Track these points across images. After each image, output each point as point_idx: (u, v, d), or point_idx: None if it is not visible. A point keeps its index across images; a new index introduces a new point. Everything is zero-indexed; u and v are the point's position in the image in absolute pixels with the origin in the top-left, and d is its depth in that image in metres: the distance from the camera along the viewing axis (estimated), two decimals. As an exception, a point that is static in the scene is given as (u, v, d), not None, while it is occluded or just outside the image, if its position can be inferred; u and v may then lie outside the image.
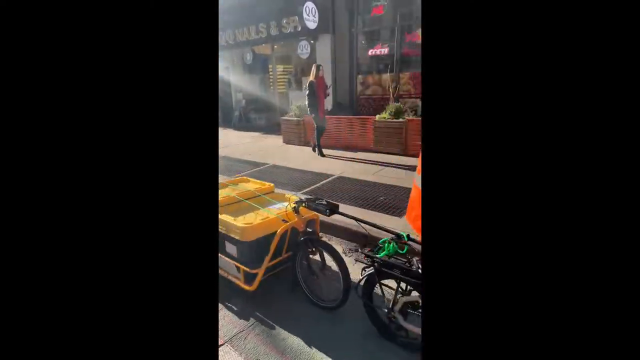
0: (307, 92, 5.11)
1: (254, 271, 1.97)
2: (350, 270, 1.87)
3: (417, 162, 4.77)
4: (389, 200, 3.36)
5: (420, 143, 4.99)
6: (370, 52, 6.98)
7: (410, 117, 5.09)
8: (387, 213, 3.06)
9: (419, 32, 6.33)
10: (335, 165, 4.80)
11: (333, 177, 4.25)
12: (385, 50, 6.79)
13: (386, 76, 6.51)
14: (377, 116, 5.32)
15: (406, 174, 4.20)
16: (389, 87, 6.24)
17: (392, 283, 1.62)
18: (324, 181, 4.09)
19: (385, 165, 4.62)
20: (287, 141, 6.68)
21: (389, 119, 5.16)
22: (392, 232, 1.72)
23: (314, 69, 5.15)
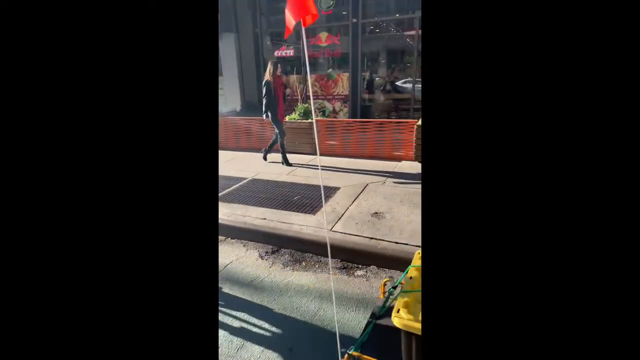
0: (264, 92, 4.41)
1: None
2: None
3: (330, 161, 4.99)
4: (303, 199, 3.42)
5: (330, 142, 5.21)
6: (277, 53, 7.00)
7: (319, 118, 5.27)
8: (301, 212, 3.10)
9: (321, 35, 6.60)
10: (248, 167, 4.68)
11: (246, 180, 4.12)
12: (290, 52, 6.89)
13: (294, 77, 6.61)
14: (287, 117, 5.36)
15: (329, 174, 4.33)
16: (296, 88, 6.35)
17: None
18: (237, 185, 3.94)
19: (298, 166, 4.68)
20: (193, 145, 6.24)
21: (298, 119, 5.24)
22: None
23: (270, 66, 4.42)
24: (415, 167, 4.42)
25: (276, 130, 4.67)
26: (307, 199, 3.40)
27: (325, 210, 3.11)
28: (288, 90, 6.80)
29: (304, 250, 2.65)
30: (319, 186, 3.77)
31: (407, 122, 4.82)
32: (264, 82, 4.45)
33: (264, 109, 4.48)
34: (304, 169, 4.53)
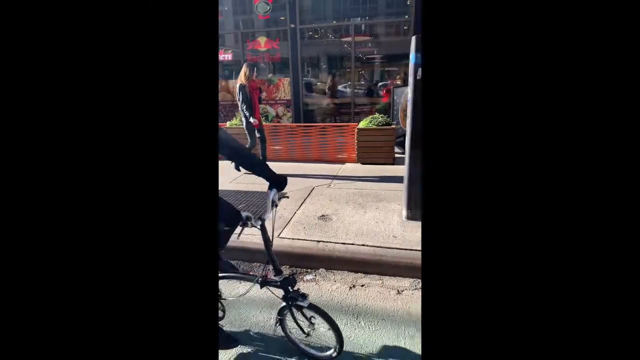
0: (240, 97, 4.10)
1: None
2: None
3: (275, 166, 4.91)
4: (248, 207, 3.34)
5: (275, 147, 5.16)
6: (214, 57, 6.77)
7: (263, 123, 5.19)
8: (248, 220, 3.03)
9: (260, 39, 6.55)
10: (188, 177, 4.43)
11: (186, 190, 3.90)
12: (229, 57, 6.71)
13: (234, 82, 6.44)
14: (228, 123, 5.21)
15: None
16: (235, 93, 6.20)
17: None
18: (176, 196, 3.71)
19: (244, 173, 4.57)
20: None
21: (241, 125, 5.12)
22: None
23: (245, 69, 4.11)
24: (358, 169, 4.58)
25: (257, 135, 4.43)
26: (253, 207, 3.33)
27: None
28: (229, 95, 6.61)
29: (251, 260, 2.58)
30: (264, 192, 3.71)
31: (348, 125, 4.98)
32: (238, 85, 4.14)
33: (247, 113, 4.17)
34: (249, 176, 4.43)
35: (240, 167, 4.40)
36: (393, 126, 4.63)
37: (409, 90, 2.55)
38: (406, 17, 6.26)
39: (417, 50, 2.40)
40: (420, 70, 2.43)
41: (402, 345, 1.69)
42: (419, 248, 2.44)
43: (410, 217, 2.87)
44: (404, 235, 2.64)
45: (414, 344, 1.69)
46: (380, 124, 4.56)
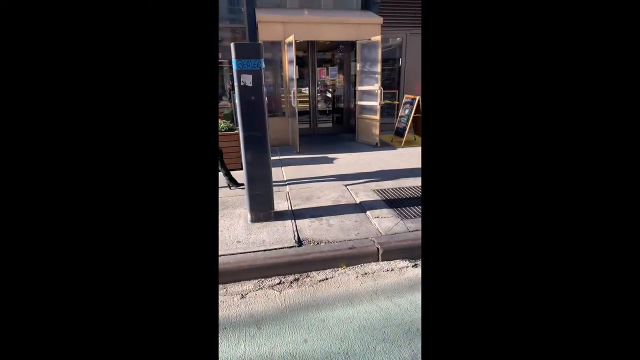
0: None
1: None
2: None
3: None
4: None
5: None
6: None
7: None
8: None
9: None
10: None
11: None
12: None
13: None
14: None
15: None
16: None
17: None
18: None
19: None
20: None
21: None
22: None
23: None
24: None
25: None
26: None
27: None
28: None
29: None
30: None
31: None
32: None
33: None
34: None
35: None
36: (236, 131, 4.63)
37: (236, 95, 2.58)
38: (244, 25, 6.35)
39: (237, 57, 2.45)
40: (243, 76, 2.50)
41: (241, 348, 1.69)
42: (262, 248, 2.51)
43: (254, 220, 2.92)
44: (248, 238, 2.67)
45: (254, 343, 1.71)
46: (223, 130, 4.48)
